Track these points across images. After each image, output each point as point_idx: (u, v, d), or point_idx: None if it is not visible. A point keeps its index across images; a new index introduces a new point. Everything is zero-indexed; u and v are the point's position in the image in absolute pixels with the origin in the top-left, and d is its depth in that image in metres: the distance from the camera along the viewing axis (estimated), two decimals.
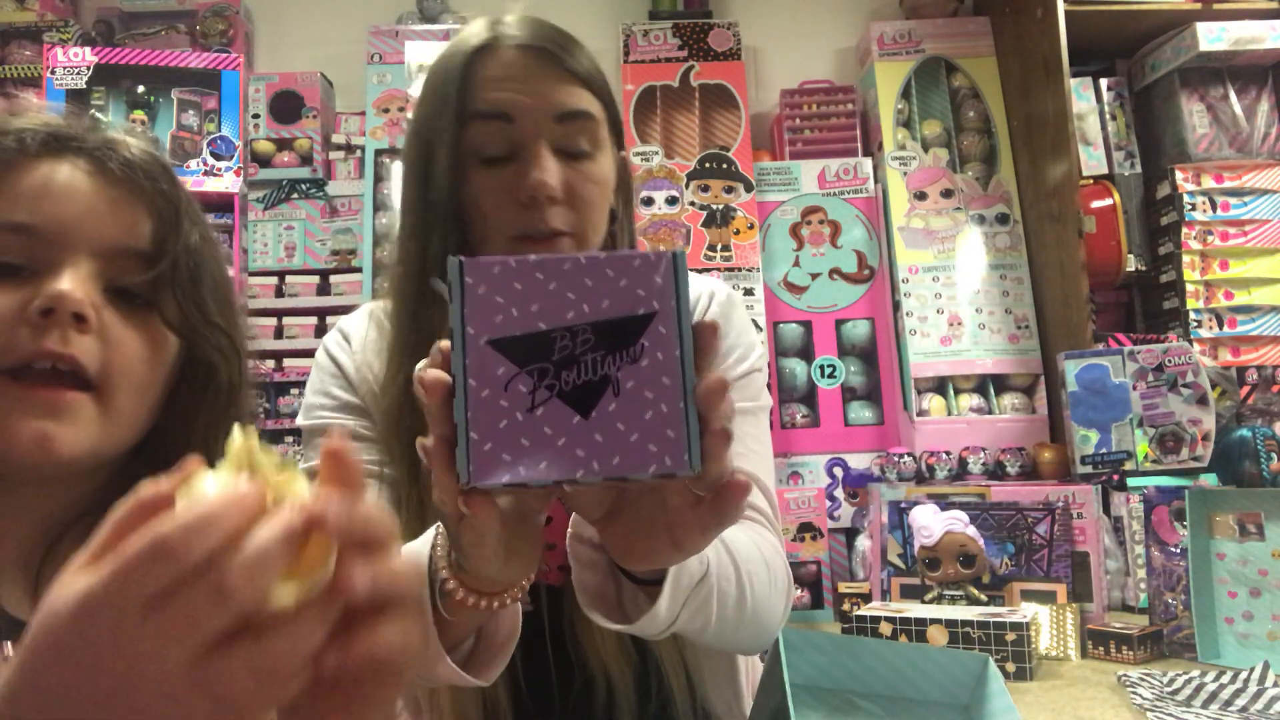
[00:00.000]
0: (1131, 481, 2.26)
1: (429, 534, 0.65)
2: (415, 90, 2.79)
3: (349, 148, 2.93)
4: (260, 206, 2.84)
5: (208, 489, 0.34)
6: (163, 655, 0.31)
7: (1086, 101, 2.78)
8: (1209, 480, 2.09)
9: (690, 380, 0.50)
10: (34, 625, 0.33)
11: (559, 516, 0.74)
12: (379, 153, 2.87)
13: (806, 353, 2.82)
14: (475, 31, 0.77)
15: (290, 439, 2.56)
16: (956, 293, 2.76)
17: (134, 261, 0.66)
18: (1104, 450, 2.25)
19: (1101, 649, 1.92)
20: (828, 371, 2.79)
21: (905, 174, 2.85)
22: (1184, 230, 2.60)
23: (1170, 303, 2.67)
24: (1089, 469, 2.27)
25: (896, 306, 2.79)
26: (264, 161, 2.87)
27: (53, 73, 2.47)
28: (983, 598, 2.05)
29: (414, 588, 0.39)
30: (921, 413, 2.68)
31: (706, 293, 0.92)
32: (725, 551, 0.72)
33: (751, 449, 0.90)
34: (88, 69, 2.49)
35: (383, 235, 2.83)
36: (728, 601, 0.71)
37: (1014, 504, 2.12)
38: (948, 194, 2.84)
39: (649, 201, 2.77)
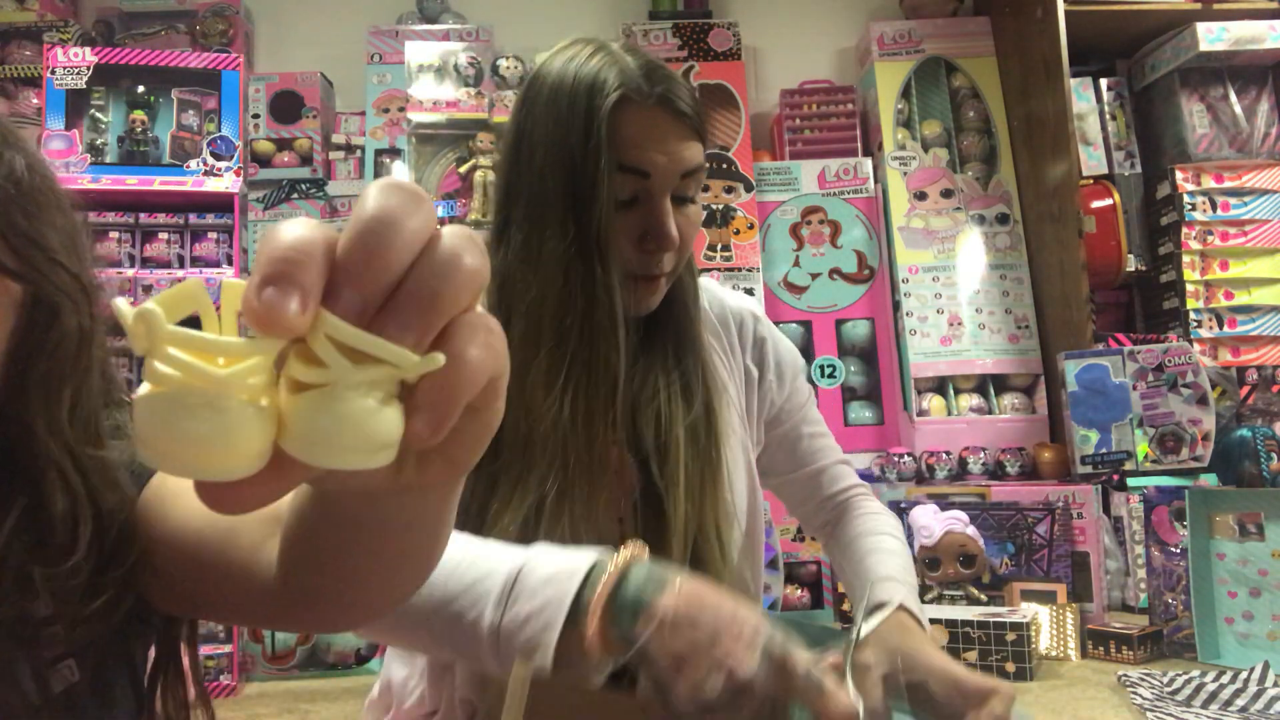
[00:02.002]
0: (1131, 481, 2.26)
1: (587, 563, 0.66)
2: (415, 90, 2.80)
3: (349, 148, 2.93)
4: (260, 206, 2.83)
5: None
6: None
7: (1086, 101, 2.78)
8: (1209, 480, 2.09)
9: None
10: None
11: None
12: (379, 153, 2.87)
13: (806, 353, 2.82)
14: (611, 82, 0.82)
15: None
16: (956, 293, 2.76)
17: None
18: (1104, 450, 2.25)
19: (1101, 649, 1.92)
20: (828, 371, 2.79)
21: (905, 174, 2.85)
22: (1184, 230, 2.60)
23: (1170, 303, 2.67)
24: (1089, 469, 2.27)
25: (896, 306, 2.79)
26: (264, 161, 2.87)
27: (53, 73, 2.47)
28: (983, 598, 2.05)
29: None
30: (921, 413, 2.68)
31: (750, 316, 1.03)
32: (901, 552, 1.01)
33: (830, 440, 1.11)
34: (88, 69, 2.49)
35: None
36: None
37: (1014, 504, 2.12)
38: (948, 194, 2.84)
39: None
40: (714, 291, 1.02)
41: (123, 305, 0.30)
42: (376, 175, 2.85)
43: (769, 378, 1.02)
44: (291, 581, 0.52)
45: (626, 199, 0.84)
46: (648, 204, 0.84)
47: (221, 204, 2.51)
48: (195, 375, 0.28)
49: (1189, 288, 2.60)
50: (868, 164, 2.91)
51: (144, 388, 0.29)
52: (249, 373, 0.29)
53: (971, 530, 2.09)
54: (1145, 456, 2.19)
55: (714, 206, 2.83)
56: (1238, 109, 2.68)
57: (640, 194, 0.84)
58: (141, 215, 2.48)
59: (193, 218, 2.50)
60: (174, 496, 0.62)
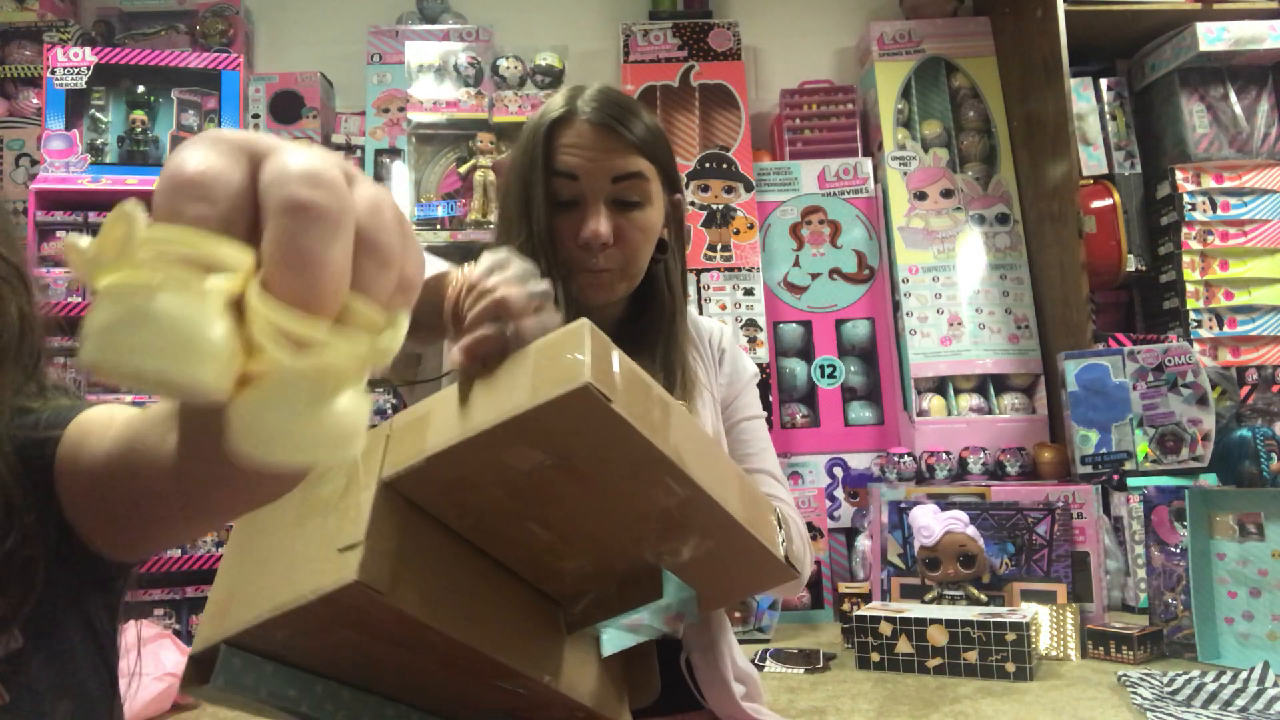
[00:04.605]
0: (1131, 481, 2.26)
1: None
2: (415, 90, 2.80)
3: (349, 148, 2.93)
4: None
5: None
6: None
7: (1086, 101, 2.78)
8: (1209, 480, 2.09)
9: None
10: None
11: None
12: (379, 153, 2.87)
13: (806, 353, 2.82)
14: (558, 104, 0.99)
15: None
16: (956, 293, 2.76)
17: None
18: (1104, 450, 2.25)
19: (1101, 649, 1.92)
20: (828, 371, 2.79)
21: (905, 174, 2.85)
22: (1184, 230, 2.60)
23: (1170, 303, 2.67)
24: (1089, 469, 2.27)
25: (896, 306, 2.79)
26: None
27: (53, 73, 2.47)
28: (983, 598, 2.05)
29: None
30: (921, 413, 2.68)
31: (718, 331, 1.17)
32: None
33: (763, 448, 1.13)
34: (88, 69, 2.49)
35: None
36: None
37: (1014, 504, 2.12)
38: (948, 194, 2.84)
39: None
40: (690, 314, 1.16)
41: (76, 236, 0.28)
42: (377, 175, 2.86)
43: (721, 380, 1.15)
44: (197, 461, 0.49)
45: (566, 201, 0.97)
46: (582, 206, 0.97)
47: None
48: (181, 277, 0.26)
49: (1189, 288, 2.60)
50: (868, 164, 2.91)
51: (103, 301, 0.27)
52: (231, 283, 0.27)
53: (971, 530, 2.09)
54: (1145, 456, 2.19)
55: (714, 206, 2.83)
56: (1238, 109, 2.68)
57: (578, 197, 0.97)
58: None
59: None
60: (85, 435, 0.61)
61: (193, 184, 0.28)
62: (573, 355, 0.56)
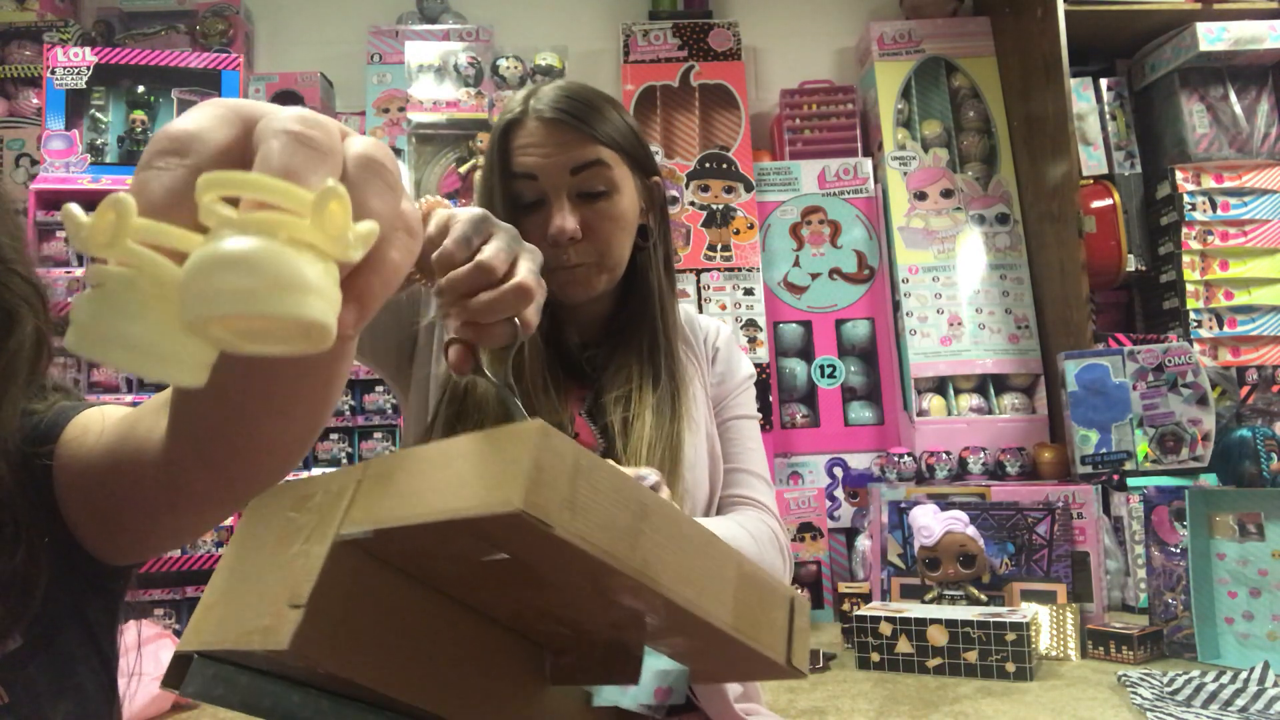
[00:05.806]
0: (1131, 481, 2.26)
1: None
2: (415, 90, 2.80)
3: None
4: None
5: None
6: None
7: (1086, 101, 2.78)
8: (1209, 480, 2.09)
9: None
10: None
11: None
12: None
13: (806, 353, 2.82)
14: (513, 107, 0.98)
15: None
16: (956, 293, 2.76)
17: None
18: (1104, 450, 2.25)
19: (1101, 649, 1.92)
20: (828, 371, 2.79)
21: (905, 174, 2.85)
22: (1184, 230, 2.61)
23: (1170, 303, 2.67)
24: (1089, 469, 2.27)
25: (896, 306, 2.79)
26: None
27: (53, 73, 2.47)
28: (983, 598, 2.05)
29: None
30: (921, 413, 2.68)
31: (714, 329, 1.15)
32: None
33: (751, 448, 1.09)
34: (88, 69, 2.49)
35: None
36: None
37: (1014, 504, 2.12)
38: (948, 194, 2.84)
39: None
40: (688, 311, 1.15)
41: (77, 208, 0.28)
42: None
43: (713, 379, 1.13)
44: (183, 440, 0.50)
45: (531, 201, 0.96)
46: (547, 204, 0.95)
47: None
48: (157, 271, 0.28)
49: (1189, 288, 2.60)
50: (868, 164, 2.91)
51: (90, 287, 0.28)
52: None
53: (971, 530, 2.09)
54: (1145, 456, 2.19)
55: (714, 206, 2.83)
56: (1238, 109, 2.68)
57: (541, 196, 0.95)
58: None
59: None
60: (84, 434, 0.62)
61: (174, 142, 0.30)
62: (513, 466, 0.51)
